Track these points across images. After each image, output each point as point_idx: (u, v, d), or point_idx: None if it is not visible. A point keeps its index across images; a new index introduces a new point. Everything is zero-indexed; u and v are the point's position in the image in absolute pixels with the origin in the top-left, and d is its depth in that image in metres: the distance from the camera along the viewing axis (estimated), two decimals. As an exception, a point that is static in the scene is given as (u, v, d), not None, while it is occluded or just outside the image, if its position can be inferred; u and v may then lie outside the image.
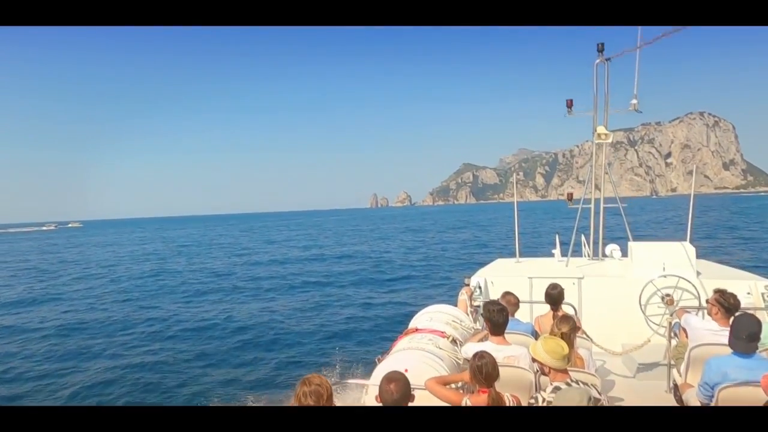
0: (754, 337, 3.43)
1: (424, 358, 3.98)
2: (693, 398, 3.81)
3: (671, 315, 5.28)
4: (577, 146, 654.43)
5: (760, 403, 2.90)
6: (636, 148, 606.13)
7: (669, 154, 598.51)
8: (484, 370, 3.11)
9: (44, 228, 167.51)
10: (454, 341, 4.50)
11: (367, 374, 4.10)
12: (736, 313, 3.93)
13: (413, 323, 4.97)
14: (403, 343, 4.42)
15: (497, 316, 3.90)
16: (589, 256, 8.19)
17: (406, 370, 3.68)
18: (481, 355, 3.20)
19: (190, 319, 15.82)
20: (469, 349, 3.82)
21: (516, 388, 3.48)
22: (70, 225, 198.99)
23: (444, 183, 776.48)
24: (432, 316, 4.96)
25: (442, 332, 4.56)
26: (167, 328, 14.90)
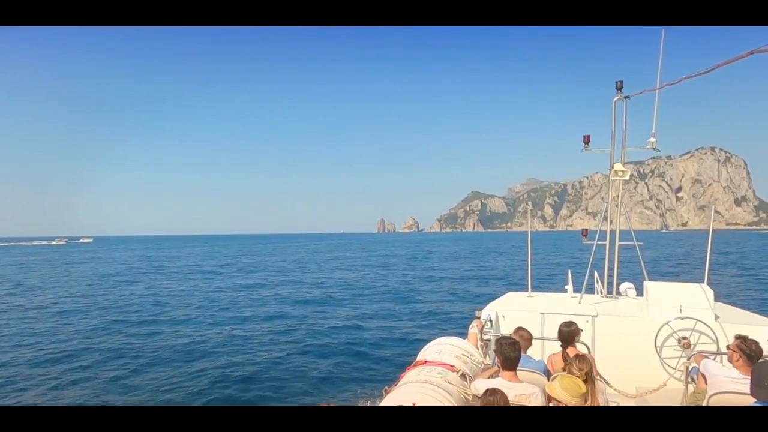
0: None
1: (433, 392, 3.88)
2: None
3: (688, 359, 5.14)
4: (587, 177, 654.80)
5: None
6: (646, 181, 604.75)
7: (680, 188, 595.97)
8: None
9: (54, 243, 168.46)
10: (463, 376, 4.39)
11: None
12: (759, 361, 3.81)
13: (422, 355, 4.87)
14: (411, 375, 4.32)
15: (509, 351, 3.82)
16: (602, 293, 8.05)
17: (413, 404, 3.60)
18: (493, 391, 3.13)
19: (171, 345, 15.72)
20: (480, 385, 3.73)
21: None
22: (81, 240, 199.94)
23: (452, 210, 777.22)
24: (441, 349, 4.86)
25: (452, 366, 4.45)
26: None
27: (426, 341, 5.32)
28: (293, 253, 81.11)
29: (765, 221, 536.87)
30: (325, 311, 21.56)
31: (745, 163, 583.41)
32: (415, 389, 3.94)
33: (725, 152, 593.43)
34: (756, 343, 4.16)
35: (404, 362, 4.95)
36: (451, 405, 3.81)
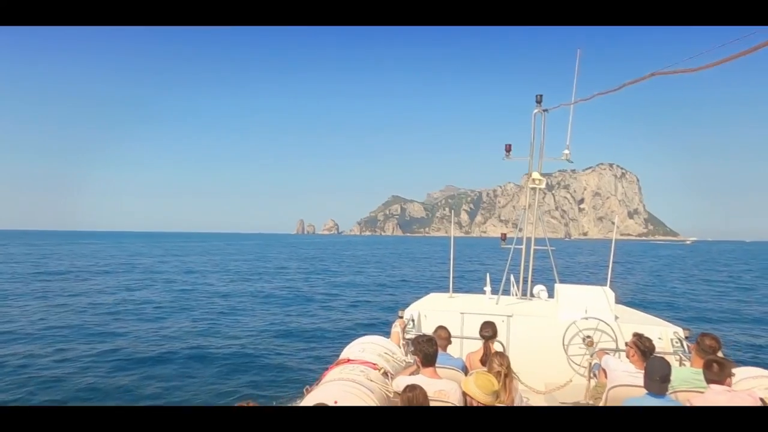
0: (666, 378, 3.65)
1: (355, 390, 3.89)
2: (609, 436, 3.97)
3: (591, 356, 5.55)
4: (500, 186, 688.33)
5: None
6: (553, 192, 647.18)
7: (582, 200, 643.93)
8: (415, 402, 3.09)
9: None
10: (385, 374, 4.44)
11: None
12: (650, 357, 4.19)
13: (345, 353, 4.87)
14: (333, 373, 4.30)
15: (427, 347, 3.93)
16: (517, 295, 8.47)
17: (335, 402, 3.58)
18: (412, 387, 3.19)
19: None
20: (401, 382, 3.79)
21: None
22: None
23: (372, 213, 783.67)
24: (364, 347, 4.89)
25: (374, 364, 4.49)
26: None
27: (349, 341, 5.32)
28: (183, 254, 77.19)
29: (653, 233, 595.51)
30: (245, 311, 20.86)
31: (638, 179, 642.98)
32: (336, 388, 3.92)
33: (621, 168, 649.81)
34: (650, 341, 4.59)
35: (327, 362, 4.90)
36: (372, 402, 3.84)
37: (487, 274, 8.43)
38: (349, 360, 4.55)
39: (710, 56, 2.26)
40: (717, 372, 3.72)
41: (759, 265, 65.56)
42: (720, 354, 4.40)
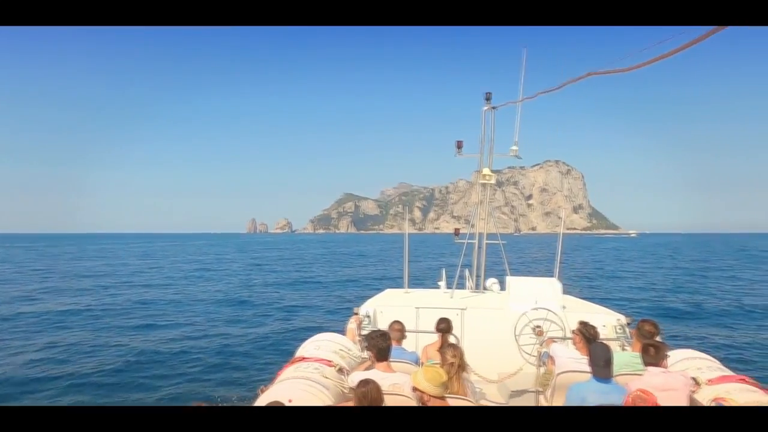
0: (609, 362, 3.85)
1: (309, 388, 3.88)
2: (557, 421, 4.14)
3: (540, 345, 5.76)
4: (452, 183, 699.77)
5: None
6: (503, 189, 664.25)
7: (530, 196, 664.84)
8: (369, 396, 3.11)
9: None
10: (340, 370, 4.45)
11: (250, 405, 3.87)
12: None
13: (300, 351, 4.85)
14: (288, 372, 4.28)
15: (380, 342, 3.97)
16: (471, 288, 8.65)
17: (290, 401, 3.56)
18: (365, 382, 3.21)
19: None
20: (356, 378, 3.80)
21: None
22: None
23: (325, 211, 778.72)
24: (320, 345, 4.88)
25: (329, 361, 4.50)
26: None
27: (304, 339, 5.29)
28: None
29: (596, 226, 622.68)
30: (192, 312, 20.25)
31: (582, 176, 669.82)
32: (291, 386, 3.91)
33: (567, 165, 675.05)
34: (594, 328, 4.81)
35: (283, 361, 4.85)
36: (328, 399, 3.84)
37: (443, 269, 8.58)
38: (303, 358, 4.54)
39: (643, 56, 2.39)
40: (653, 355, 3.95)
41: (697, 255, 69.84)
42: (658, 338, 4.66)
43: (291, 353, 4.99)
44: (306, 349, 4.90)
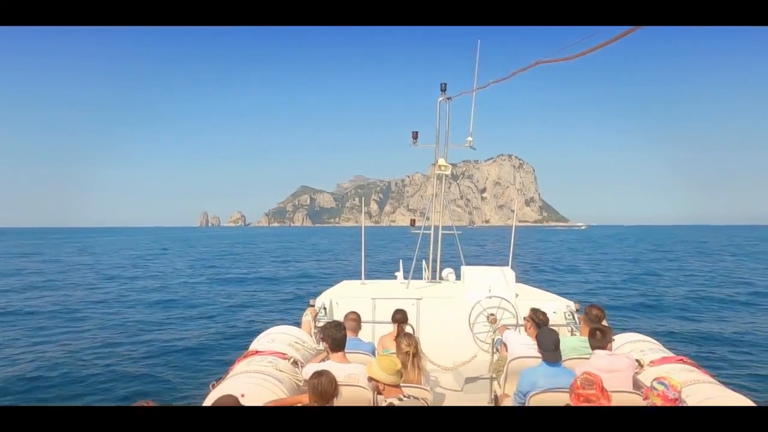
0: (557, 347, 3.97)
1: (263, 382, 3.80)
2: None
3: (494, 332, 5.87)
4: (408, 176, 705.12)
5: (561, 405, 3.34)
6: (458, 182, 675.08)
7: (484, 189, 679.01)
8: (320, 388, 3.08)
9: None
10: (295, 363, 4.39)
11: (201, 401, 3.74)
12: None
13: (254, 345, 4.75)
14: (240, 366, 4.18)
15: (335, 332, 3.93)
16: (428, 279, 8.71)
17: (242, 395, 3.48)
18: (319, 373, 3.17)
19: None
20: (310, 370, 3.76)
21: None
22: None
23: (280, 204, 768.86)
24: (274, 338, 4.79)
25: (284, 354, 4.42)
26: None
27: (259, 333, 5.18)
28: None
29: (547, 219, 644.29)
30: (143, 307, 19.48)
31: (534, 170, 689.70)
32: (243, 380, 3.82)
33: (519, 159, 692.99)
34: (544, 314, 4.95)
35: (235, 356, 4.72)
36: (282, 392, 3.78)
37: (400, 261, 8.58)
38: (257, 351, 4.45)
39: (585, 44, 2.55)
40: (600, 339, 4.10)
41: (642, 245, 73.38)
42: (604, 323, 4.84)
43: (244, 348, 4.88)
44: (260, 342, 4.80)
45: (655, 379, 3.18)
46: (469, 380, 6.02)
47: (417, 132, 8.46)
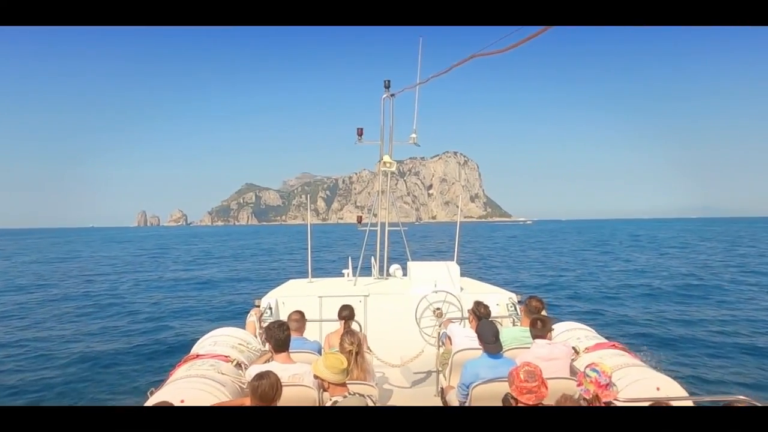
0: (497, 337, 4.09)
1: (203, 386, 3.68)
2: (454, 399, 4.31)
3: (439, 326, 5.96)
4: (356, 173, 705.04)
5: (502, 395, 3.43)
6: (405, 178, 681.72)
7: (431, 186, 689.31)
8: (260, 391, 3.02)
9: None
10: (239, 365, 4.28)
11: None
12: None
13: (195, 349, 4.60)
14: (180, 371, 4.02)
15: (278, 333, 3.85)
16: (376, 275, 8.71)
17: (182, 401, 3.36)
18: (260, 375, 3.10)
19: None
20: (253, 371, 3.67)
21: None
22: None
23: (224, 202, 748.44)
24: (216, 340, 4.66)
25: (227, 356, 4.30)
26: None
27: (201, 336, 5.01)
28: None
29: (491, 214, 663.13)
30: (76, 309, 18.36)
31: (478, 166, 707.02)
32: (183, 385, 3.69)
33: (464, 156, 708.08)
34: (485, 307, 5.06)
35: (175, 361, 4.54)
36: (224, 396, 3.68)
37: (349, 258, 8.54)
38: (198, 355, 4.31)
39: (513, 38, 2.68)
40: (540, 328, 4.26)
41: (573, 239, 76.87)
42: (544, 313, 5.03)
43: (186, 353, 4.70)
44: (202, 345, 4.65)
45: (588, 366, 3.33)
46: (417, 375, 6.09)
47: (362, 129, 8.43)
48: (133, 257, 52.02)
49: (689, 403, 3.78)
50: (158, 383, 3.98)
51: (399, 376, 6.26)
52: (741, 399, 3.44)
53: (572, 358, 4.36)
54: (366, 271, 8.69)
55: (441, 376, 5.23)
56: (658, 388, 3.83)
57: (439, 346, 5.65)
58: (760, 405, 3.09)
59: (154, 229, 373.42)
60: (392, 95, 8.42)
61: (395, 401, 5.52)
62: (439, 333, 5.76)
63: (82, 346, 13.33)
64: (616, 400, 3.30)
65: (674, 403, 3.59)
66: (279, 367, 3.68)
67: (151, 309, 19.35)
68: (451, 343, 5.06)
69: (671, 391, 3.84)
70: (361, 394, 3.37)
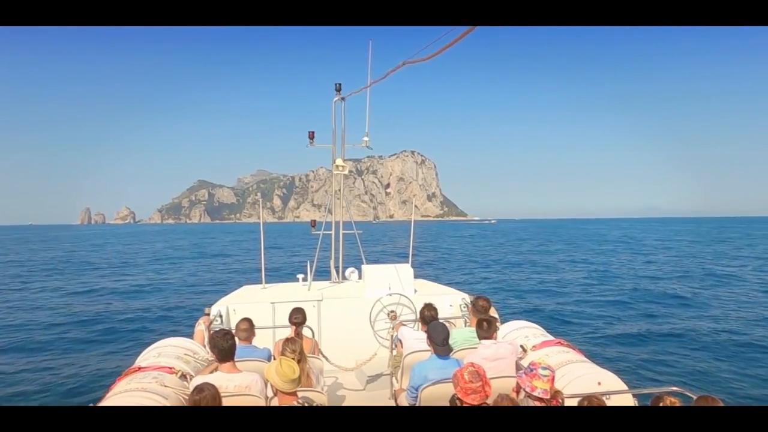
0: (446, 339, 4.14)
1: (144, 400, 3.53)
2: (404, 401, 4.34)
3: (393, 329, 5.97)
4: (313, 171, 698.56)
5: (449, 396, 3.48)
6: (362, 177, 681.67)
7: (388, 185, 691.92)
8: (203, 404, 2.94)
9: None
10: (184, 376, 4.13)
11: None
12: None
13: (138, 361, 4.41)
14: (120, 385, 3.84)
15: (222, 342, 3.74)
16: (331, 279, 8.63)
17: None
18: (200, 389, 3.00)
19: None
20: (198, 382, 3.57)
21: None
22: None
23: (175, 200, 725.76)
24: (161, 351, 4.48)
25: (171, 368, 4.15)
26: None
27: (145, 347, 4.81)
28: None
29: (447, 213, 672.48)
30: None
31: (435, 166, 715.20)
32: (122, 400, 3.53)
33: (421, 155, 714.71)
34: (432, 309, 5.08)
35: (117, 375, 4.32)
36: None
37: (308, 262, 8.37)
38: (140, 368, 4.13)
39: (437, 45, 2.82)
40: (486, 329, 4.33)
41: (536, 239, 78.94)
42: (492, 312, 5.11)
43: (128, 366, 4.49)
44: (145, 358, 4.47)
45: (531, 363, 3.40)
46: (371, 378, 6.08)
47: (313, 132, 8.35)
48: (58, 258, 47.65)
49: (628, 396, 3.96)
50: (97, 399, 3.80)
51: (353, 380, 6.24)
52: (674, 390, 3.63)
53: (519, 356, 4.46)
54: (323, 274, 8.61)
55: (393, 379, 5.24)
56: (599, 383, 3.98)
57: (392, 349, 5.67)
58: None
59: (99, 227, 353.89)
60: (343, 98, 8.40)
61: (348, 405, 5.49)
62: (392, 336, 5.78)
63: (16, 360, 12.51)
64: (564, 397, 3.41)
65: (613, 397, 3.76)
66: (224, 377, 3.59)
67: (96, 316, 17.78)
68: (402, 346, 5.08)
69: (612, 385, 4.00)
70: (311, 400, 3.33)
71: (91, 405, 3.39)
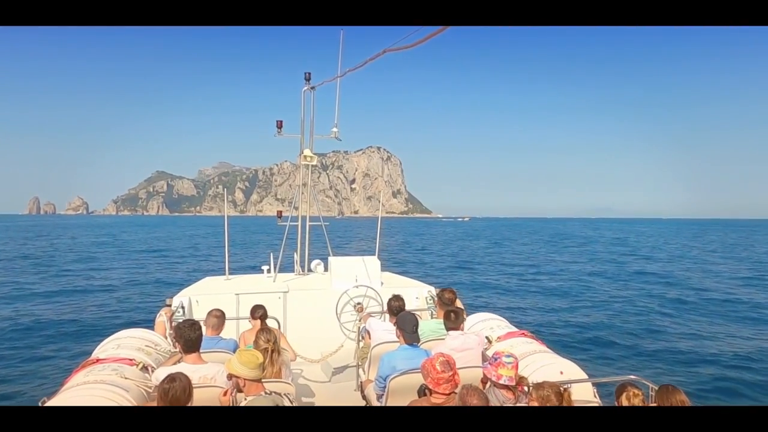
0: (416, 328, 4.17)
1: (103, 393, 3.41)
2: (372, 393, 4.35)
3: (360, 321, 5.96)
4: (277, 165, 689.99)
5: (416, 386, 3.50)
6: (327, 172, 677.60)
7: (354, 180, 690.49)
8: (170, 394, 2.86)
9: None
10: (145, 368, 4.02)
11: None
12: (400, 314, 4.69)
13: (96, 353, 4.25)
14: (77, 378, 3.70)
15: (189, 333, 3.66)
16: (297, 271, 8.55)
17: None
18: (171, 378, 2.93)
19: None
20: (161, 374, 3.46)
21: None
22: None
23: (132, 191, 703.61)
24: (120, 343, 4.34)
25: (131, 359, 4.02)
26: None
27: (103, 339, 4.65)
28: None
29: (412, 210, 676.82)
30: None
31: (401, 162, 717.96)
32: (79, 393, 3.40)
33: (387, 152, 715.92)
34: (399, 300, 5.11)
35: (74, 366, 4.15)
36: (127, 403, 3.44)
37: (270, 254, 8.25)
38: (98, 360, 3.99)
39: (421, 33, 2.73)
40: (453, 320, 4.39)
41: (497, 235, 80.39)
42: (458, 303, 5.18)
43: (85, 357, 4.32)
44: (103, 349, 4.32)
45: (495, 353, 3.48)
46: (337, 370, 6.07)
47: (282, 121, 8.19)
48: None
49: (588, 385, 4.10)
50: (51, 393, 3.63)
51: (319, 372, 6.21)
52: (632, 378, 3.77)
53: (485, 348, 4.54)
54: (288, 267, 8.51)
55: (360, 370, 5.24)
56: (561, 372, 4.11)
57: (359, 341, 5.66)
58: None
59: (49, 218, 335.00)
60: (312, 88, 8.27)
61: (315, 397, 5.47)
62: (359, 327, 5.77)
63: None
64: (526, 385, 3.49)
65: (575, 386, 3.87)
66: (189, 368, 3.50)
67: (50, 307, 16.83)
68: (370, 338, 5.08)
69: (573, 374, 4.13)
70: (278, 392, 3.29)
71: (40, 405, 3.23)
